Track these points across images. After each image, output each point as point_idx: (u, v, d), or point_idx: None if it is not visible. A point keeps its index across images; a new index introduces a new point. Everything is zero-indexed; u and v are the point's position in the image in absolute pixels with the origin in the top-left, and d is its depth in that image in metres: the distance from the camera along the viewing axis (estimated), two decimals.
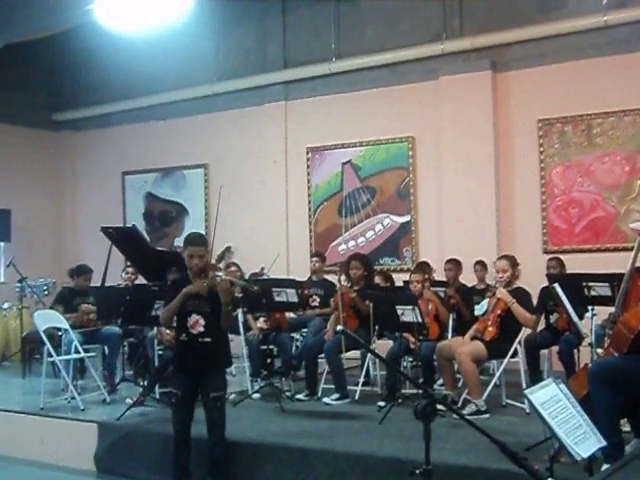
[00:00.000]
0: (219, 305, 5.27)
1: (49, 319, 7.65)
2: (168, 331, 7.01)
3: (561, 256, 8.00)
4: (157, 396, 7.20)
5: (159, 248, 11.20)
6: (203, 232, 11.58)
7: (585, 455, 3.59)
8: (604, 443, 3.74)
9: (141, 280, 8.98)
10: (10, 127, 12.39)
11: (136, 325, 8.00)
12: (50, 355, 7.42)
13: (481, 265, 8.45)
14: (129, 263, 9.18)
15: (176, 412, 5.45)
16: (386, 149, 10.43)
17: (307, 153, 11.01)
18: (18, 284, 9.97)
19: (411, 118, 10.20)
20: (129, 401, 6.94)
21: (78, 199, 13.42)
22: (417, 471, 2.99)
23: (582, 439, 3.61)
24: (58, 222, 13.34)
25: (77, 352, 7.53)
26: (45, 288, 10.00)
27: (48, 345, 7.35)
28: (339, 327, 3.86)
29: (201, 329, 5.29)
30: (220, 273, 5.53)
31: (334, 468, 5.24)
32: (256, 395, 7.36)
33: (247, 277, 8.50)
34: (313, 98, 10.93)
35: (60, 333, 7.80)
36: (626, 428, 4.80)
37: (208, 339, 5.30)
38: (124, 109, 12.46)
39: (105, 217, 11.59)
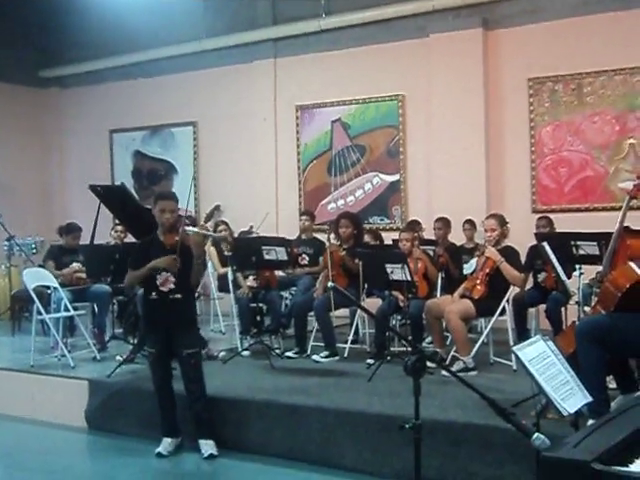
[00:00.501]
0: (189, 262, 5.28)
1: (38, 277, 7.65)
2: None
3: (550, 215, 8.03)
4: (146, 353, 7.22)
5: (148, 206, 11.15)
6: (192, 190, 11.58)
7: (572, 411, 3.63)
8: (590, 399, 3.78)
9: (130, 238, 8.96)
10: None
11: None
12: (39, 313, 7.42)
13: (470, 224, 8.49)
14: (118, 221, 9.15)
15: (154, 371, 5.52)
16: (376, 107, 10.37)
17: (296, 111, 10.94)
18: (6, 242, 9.93)
19: (401, 76, 10.13)
20: (119, 359, 6.97)
21: (66, 157, 13.33)
22: (406, 426, 3.02)
23: (569, 395, 3.65)
24: (45, 180, 13.25)
25: (66, 310, 7.54)
26: (33, 246, 9.98)
27: (37, 303, 7.35)
28: (330, 283, 3.88)
29: (171, 286, 5.31)
30: (190, 227, 5.53)
31: (323, 424, 5.29)
32: (246, 352, 7.41)
33: (236, 235, 8.49)
34: (303, 55, 10.82)
35: (49, 291, 7.80)
36: (612, 385, 4.87)
37: (179, 295, 5.33)
38: (112, 66, 12.31)
39: (93, 175, 11.49)
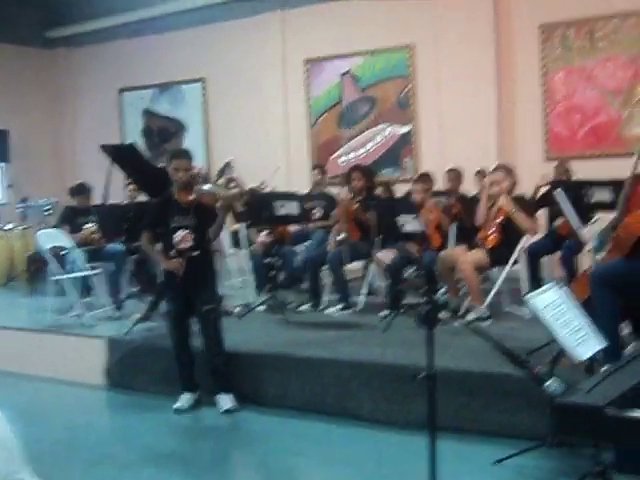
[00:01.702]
0: (205, 218, 5.32)
1: (52, 238, 7.67)
2: None
3: None
4: (163, 311, 7.28)
5: (159, 165, 11.16)
6: (203, 148, 11.55)
7: (586, 357, 3.65)
8: (605, 345, 3.80)
9: (143, 197, 8.97)
10: (3, 46, 12.18)
11: (139, 242, 8.02)
12: (55, 274, 7.46)
13: (481, 175, 8.42)
14: (130, 180, 9.15)
15: (173, 327, 5.58)
16: (386, 58, 10.26)
17: (305, 64, 10.85)
18: (20, 204, 9.96)
19: (410, 26, 10.00)
20: (136, 317, 7.02)
21: (76, 117, 13.30)
22: (420, 375, 3.05)
23: (583, 341, 3.66)
24: (57, 141, 13.26)
25: (82, 270, 7.58)
26: (47, 208, 10.00)
27: (53, 264, 7.39)
28: (340, 236, 3.88)
29: (189, 243, 5.34)
30: (206, 186, 5.55)
31: (339, 376, 5.33)
32: (261, 307, 7.44)
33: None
34: (310, 6, 10.69)
35: (64, 252, 7.83)
36: (626, 330, 4.87)
37: (196, 252, 5.36)
38: (118, 24, 12.22)
39: (104, 135, 11.49)
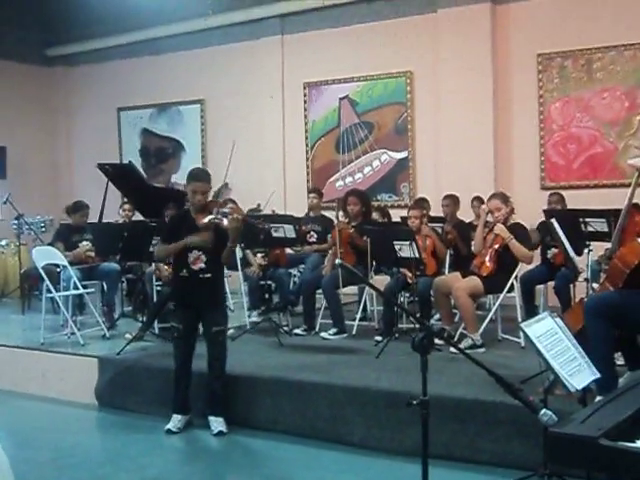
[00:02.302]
0: (220, 241, 5.30)
1: (47, 255, 7.67)
2: (166, 267, 7.06)
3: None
4: (156, 331, 7.27)
5: (156, 185, 11.18)
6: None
7: (579, 387, 3.64)
8: (598, 375, 3.79)
9: (138, 216, 8.99)
10: (3, 63, 12.22)
11: (134, 261, 8.04)
12: (49, 291, 7.45)
13: (478, 201, 8.45)
14: (126, 200, 9.17)
15: (178, 347, 5.54)
16: (384, 84, 10.32)
17: (304, 88, 10.91)
18: (15, 221, 9.95)
19: (409, 52, 10.07)
20: (128, 336, 7.00)
21: (73, 135, 13.33)
22: (414, 402, 3.03)
23: (577, 371, 3.66)
24: (54, 159, 13.27)
25: (76, 288, 7.57)
26: (42, 225, 9.99)
27: (47, 281, 7.38)
28: (338, 261, 3.88)
29: (202, 265, 5.34)
30: (226, 209, 5.51)
31: (332, 401, 5.31)
32: (254, 330, 7.42)
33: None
34: (310, 32, 10.76)
35: (58, 269, 7.83)
36: (620, 362, 4.87)
37: (208, 275, 5.36)
38: (118, 44, 12.27)
39: (101, 153, 11.54)
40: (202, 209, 5.39)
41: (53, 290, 7.42)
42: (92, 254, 8.02)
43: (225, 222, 5.22)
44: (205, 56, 11.66)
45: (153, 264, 7.51)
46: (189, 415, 5.61)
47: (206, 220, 5.27)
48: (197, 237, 5.30)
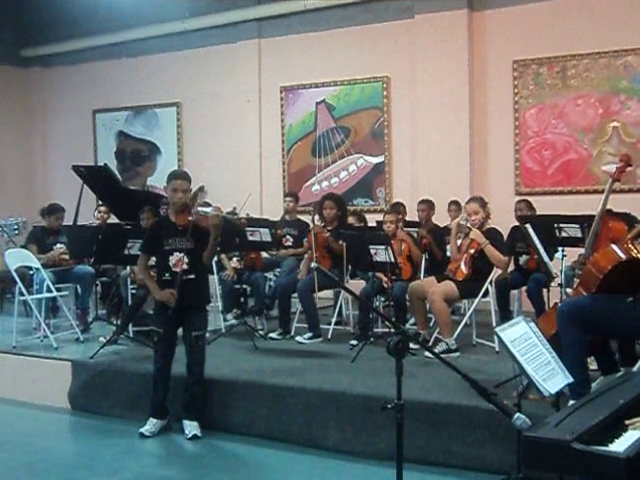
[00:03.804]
0: (201, 242, 5.29)
1: (20, 258, 7.60)
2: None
3: (533, 198, 8.06)
4: (130, 335, 7.23)
5: (131, 187, 11.13)
6: None
7: (553, 391, 3.67)
8: (571, 380, 3.83)
9: (114, 219, 8.93)
10: None
11: (109, 264, 7.98)
12: (22, 294, 7.37)
13: (456, 205, 8.52)
14: (101, 202, 9.11)
15: (158, 351, 5.51)
16: (361, 89, 10.35)
17: (281, 92, 10.91)
18: None
19: (386, 57, 10.11)
20: (102, 340, 6.95)
21: (48, 137, 13.23)
22: (389, 406, 3.04)
23: (550, 376, 3.69)
24: (28, 160, 13.16)
25: (49, 291, 7.51)
26: (16, 227, 9.90)
27: (20, 284, 7.31)
28: (313, 264, 3.88)
29: (185, 267, 5.31)
30: (207, 208, 5.51)
31: (307, 405, 5.31)
32: (229, 334, 7.41)
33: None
34: (287, 36, 10.78)
35: (32, 272, 7.76)
36: (593, 366, 4.91)
37: (192, 276, 5.34)
38: (94, 45, 12.22)
39: (76, 156, 11.45)
40: (182, 209, 5.38)
41: (26, 293, 7.35)
42: (66, 257, 7.96)
43: (210, 211, 5.23)
44: (182, 59, 11.63)
45: (128, 267, 7.47)
46: (166, 419, 5.58)
47: (191, 218, 5.28)
48: (162, 293, 5.31)
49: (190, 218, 5.32)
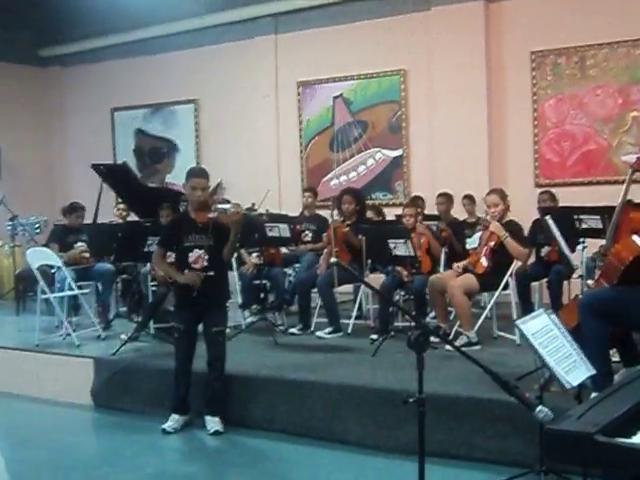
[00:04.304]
0: (221, 238, 5.31)
1: (42, 257, 7.65)
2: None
3: (553, 189, 7.99)
4: (151, 332, 7.26)
5: (150, 185, 11.17)
6: None
7: (575, 384, 3.65)
8: (593, 372, 3.80)
9: (133, 217, 8.97)
10: None
11: (129, 261, 8.01)
12: (44, 292, 7.43)
13: (469, 199, 8.49)
14: (121, 200, 9.15)
15: (179, 347, 5.53)
16: (378, 82, 10.32)
17: (298, 87, 10.90)
18: (9, 222, 9.93)
19: (403, 51, 10.07)
20: (123, 337, 6.99)
21: (67, 136, 13.30)
22: (410, 400, 3.04)
23: (572, 368, 3.66)
24: (48, 159, 13.24)
25: (70, 289, 7.56)
26: (37, 226, 9.96)
27: (42, 282, 7.36)
28: (333, 259, 3.88)
29: (204, 264, 5.33)
30: (226, 205, 5.51)
31: (327, 400, 5.31)
32: (249, 320, 7.42)
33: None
34: (304, 31, 10.76)
35: (53, 271, 7.81)
36: (615, 358, 4.88)
37: (211, 273, 5.36)
38: (112, 44, 12.25)
39: (95, 154, 11.50)
40: (202, 206, 5.39)
41: (48, 291, 7.41)
42: (87, 255, 8.01)
43: (229, 208, 5.24)
44: (199, 56, 11.64)
45: (148, 264, 7.50)
46: (188, 415, 5.60)
47: (211, 215, 5.30)
48: (189, 275, 5.31)
49: (210, 215, 5.33)
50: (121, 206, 8.97)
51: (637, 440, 2.43)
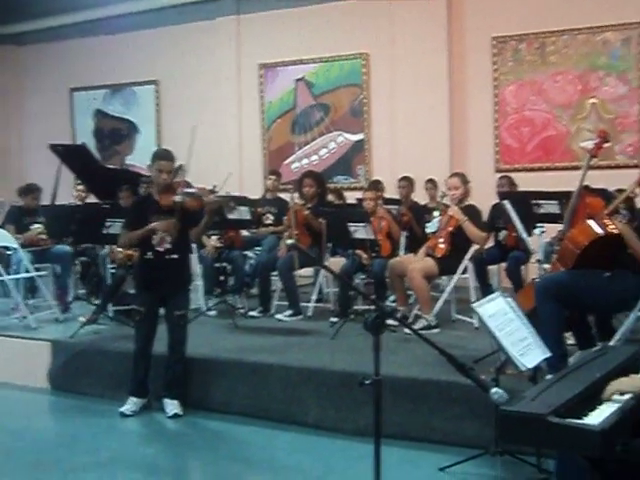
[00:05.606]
0: (186, 222, 5.27)
1: None
2: (120, 249, 6.97)
3: (512, 174, 8.08)
4: (110, 314, 7.20)
5: (110, 166, 11.05)
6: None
7: (530, 366, 3.70)
8: (549, 354, 3.86)
9: (92, 198, 8.87)
10: None
11: (88, 244, 7.94)
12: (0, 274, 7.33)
13: (431, 183, 8.53)
14: (79, 181, 9.05)
15: (140, 329, 5.49)
16: (340, 66, 10.31)
17: (260, 69, 10.85)
18: None
19: (365, 34, 10.07)
20: (82, 319, 6.92)
21: (25, 116, 13.07)
22: (366, 382, 3.05)
23: (527, 350, 3.72)
24: (4, 140, 13.01)
25: (27, 271, 7.46)
26: None
27: None
28: (289, 241, 3.87)
29: (168, 246, 5.29)
30: (193, 189, 5.48)
31: (287, 382, 5.32)
32: (210, 312, 7.41)
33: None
34: (266, 12, 10.69)
35: (9, 252, 7.70)
36: (570, 341, 4.96)
37: (175, 256, 5.33)
38: (70, 22, 12.04)
39: (53, 135, 11.31)
40: (167, 189, 5.35)
41: (3, 273, 7.30)
42: (44, 237, 7.90)
43: (195, 192, 5.21)
44: (160, 36, 11.52)
45: (107, 246, 7.42)
46: (147, 398, 5.57)
47: (177, 198, 5.24)
48: (164, 223, 5.25)
49: (176, 199, 5.28)
50: (80, 187, 8.87)
51: (589, 421, 2.48)
